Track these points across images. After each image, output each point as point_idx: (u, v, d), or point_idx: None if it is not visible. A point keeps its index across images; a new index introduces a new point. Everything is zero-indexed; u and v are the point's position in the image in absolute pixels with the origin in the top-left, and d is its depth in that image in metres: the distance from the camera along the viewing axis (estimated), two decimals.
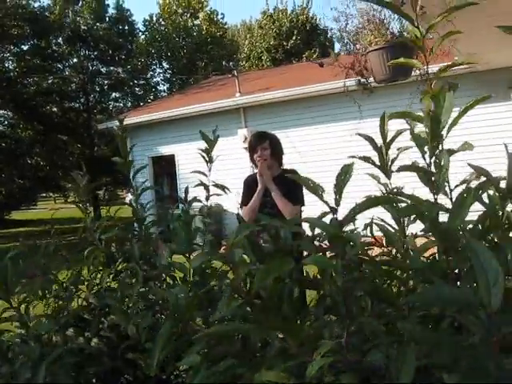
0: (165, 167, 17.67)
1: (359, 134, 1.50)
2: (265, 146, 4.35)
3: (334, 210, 1.12)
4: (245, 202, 4.33)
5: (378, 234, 1.64)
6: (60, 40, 32.47)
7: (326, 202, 1.13)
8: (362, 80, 5.71)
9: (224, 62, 33.72)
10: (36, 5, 28.84)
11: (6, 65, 28.57)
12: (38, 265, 1.96)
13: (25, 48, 29.10)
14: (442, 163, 1.18)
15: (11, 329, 1.84)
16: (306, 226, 1.39)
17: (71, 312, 1.84)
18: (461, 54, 8.92)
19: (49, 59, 29.81)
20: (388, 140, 1.48)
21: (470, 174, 1.34)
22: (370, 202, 1.08)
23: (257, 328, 1.10)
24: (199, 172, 2.37)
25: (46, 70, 29.48)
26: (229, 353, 1.14)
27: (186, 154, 15.45)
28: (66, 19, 32.24)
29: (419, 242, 1.49)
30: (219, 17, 40.00)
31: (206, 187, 2.35)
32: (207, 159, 2.38)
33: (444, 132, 1.22)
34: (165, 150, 16.77)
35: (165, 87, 39.33)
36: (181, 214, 2.19)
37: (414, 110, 1.43)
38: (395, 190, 1.51)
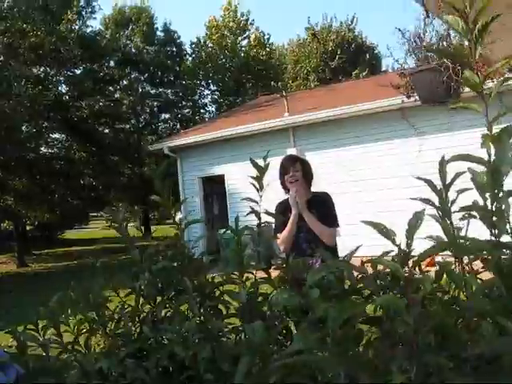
0: (214, 187, 17.81)
1: (418, 178, 1.51)
2: (296, 169, 4.35)
3: (405, 254, 1.11)
4: (279, 228, 4.26)
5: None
6: (111, 63, 33.33)
7: (399, 247, 1.15)
8: (411, 99, 5.63)
9: (272, 82, 33.90)
10: (88, 30, 29.67)
11: (59, 88, 29.36)
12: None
13: (77, 72, 29.89)
14: (503, 207, 1.18)
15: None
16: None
17: (130, 346, 1.83)
18: None
19: (100, 82, 30.54)
20: (447, 182, 1.49)
21: None
22: (437, 249, 1.09)
23: (330, 360, 1.17)
24: (250, 199, 2.33)
25: (98, 92, 30.20)
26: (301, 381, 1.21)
27: (236, 174, 15.51)
28: (117, 43, 33.10)
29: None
30: (265, 37, 40.15)
31: (258, 215, 2.31)
32: (257, 187, 2.34)
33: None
34: (214, 170, 16.88)
35: (213, 108, 39.75)
36: (230, 240, 2.17)
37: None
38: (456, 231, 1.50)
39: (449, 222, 1.46)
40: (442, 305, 1.29)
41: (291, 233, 4.22)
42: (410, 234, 1.16)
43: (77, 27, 28.17)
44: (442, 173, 1.46)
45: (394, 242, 1.17)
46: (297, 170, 4.34)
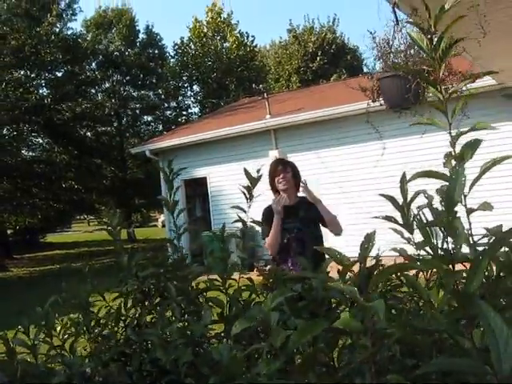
0: (197, 189, 17.83)
1: (381, 195, 1.56)
2: (288, 171, 4.49)
3: (364, 277, 1.16)
4: (267, 232, 4.38)
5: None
6: (93, 65, 33.13)
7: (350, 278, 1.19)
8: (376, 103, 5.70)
9: (254, 85, 33.80)
10: (69, 32, 29.46)
11: (40, 91, 29.09)
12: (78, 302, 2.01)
13: (58, 74, 29.62)
14: (457, 232, 1.22)
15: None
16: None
17: (114, 349, 1.87)
18: (484, 70, 8.89)
19: (82, 85, 30.29)
20: (408, 199, 1.53)
21: (491, 229, 1.38)
22: (394, 269, 1.14)
23: None
24: (238, 208, 2.37)
25: (80, 95, 29.96)
26: None
27: (218, 176, 15.54)
28: (99, 45, 32.92)
29: None
30: (250, 39, 39.98)
31: (244, 223, 2.35)
32: (248, 196, 2.38)
33: (466, 189, 1.26)
34: (197, 172, 16.87)
35: (196, 110, 39.63)
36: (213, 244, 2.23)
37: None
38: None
39: (411, 235, 1.52)
40: (401, 324, 1.31)
41: (275, 237, 4.32)
42: (363, 256, 1.19)
43: (57, 30, 27.96)
44: (403, 190, 1.51)
45: (347, 270, 1.22)
46: (288, 172, 4.46)
